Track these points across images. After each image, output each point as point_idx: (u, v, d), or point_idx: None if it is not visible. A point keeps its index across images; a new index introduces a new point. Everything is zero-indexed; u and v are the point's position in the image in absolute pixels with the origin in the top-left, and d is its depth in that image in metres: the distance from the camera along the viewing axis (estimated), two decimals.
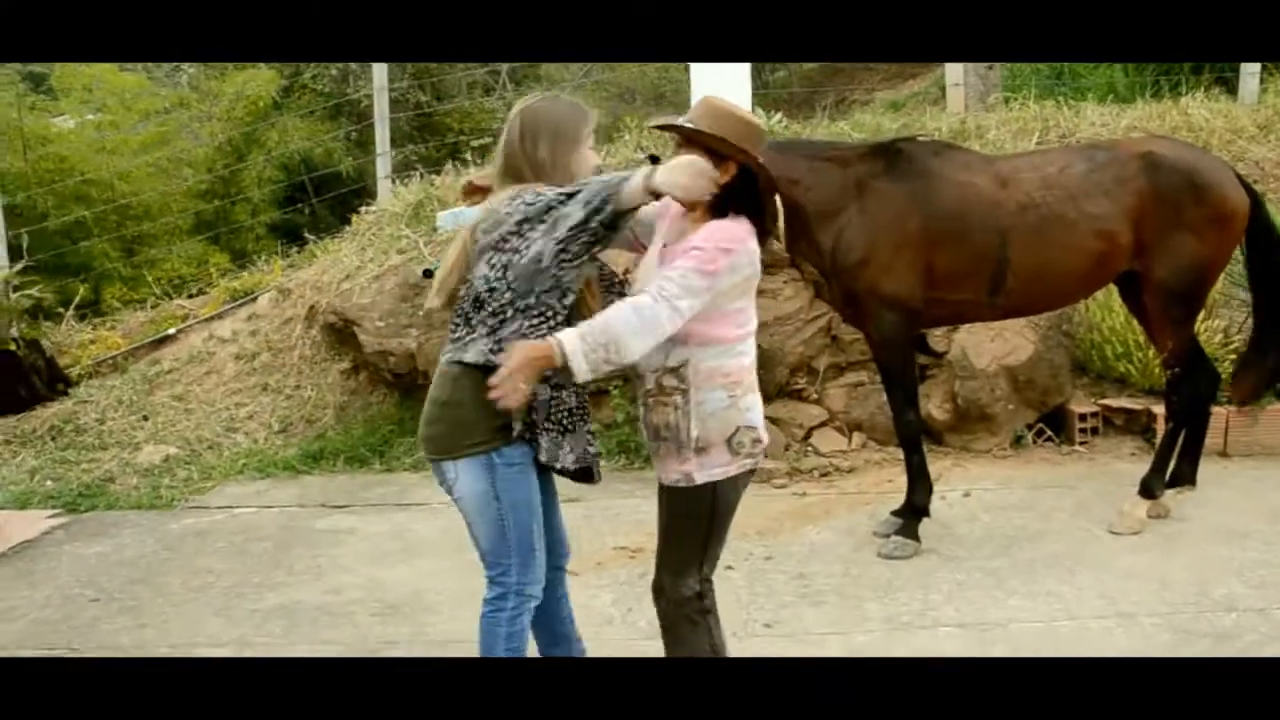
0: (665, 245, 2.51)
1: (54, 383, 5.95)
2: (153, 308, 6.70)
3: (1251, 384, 4.36)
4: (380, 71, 6.83)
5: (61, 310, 6.70)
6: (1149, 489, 4.23)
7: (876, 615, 3.58)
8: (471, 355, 2.46)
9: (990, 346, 5.12)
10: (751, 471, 2.53)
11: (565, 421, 2.54)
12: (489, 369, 2.37)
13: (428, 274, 4.93)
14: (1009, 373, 5.11)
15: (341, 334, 5.65)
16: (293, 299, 6.05)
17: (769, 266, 5.34)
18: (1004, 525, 4.31)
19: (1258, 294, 4.25)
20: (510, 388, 2.23)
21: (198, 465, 5.36)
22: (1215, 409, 4.49)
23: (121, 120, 8.54)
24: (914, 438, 4.10)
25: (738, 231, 2.39)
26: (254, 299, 6.30)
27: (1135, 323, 4.67)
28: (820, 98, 8.64)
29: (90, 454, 5.50)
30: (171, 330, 6.28)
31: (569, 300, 2.47)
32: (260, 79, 8.70)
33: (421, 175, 6.41)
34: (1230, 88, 6.73)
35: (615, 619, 3.60)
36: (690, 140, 2.42)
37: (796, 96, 9.56)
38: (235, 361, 5.96)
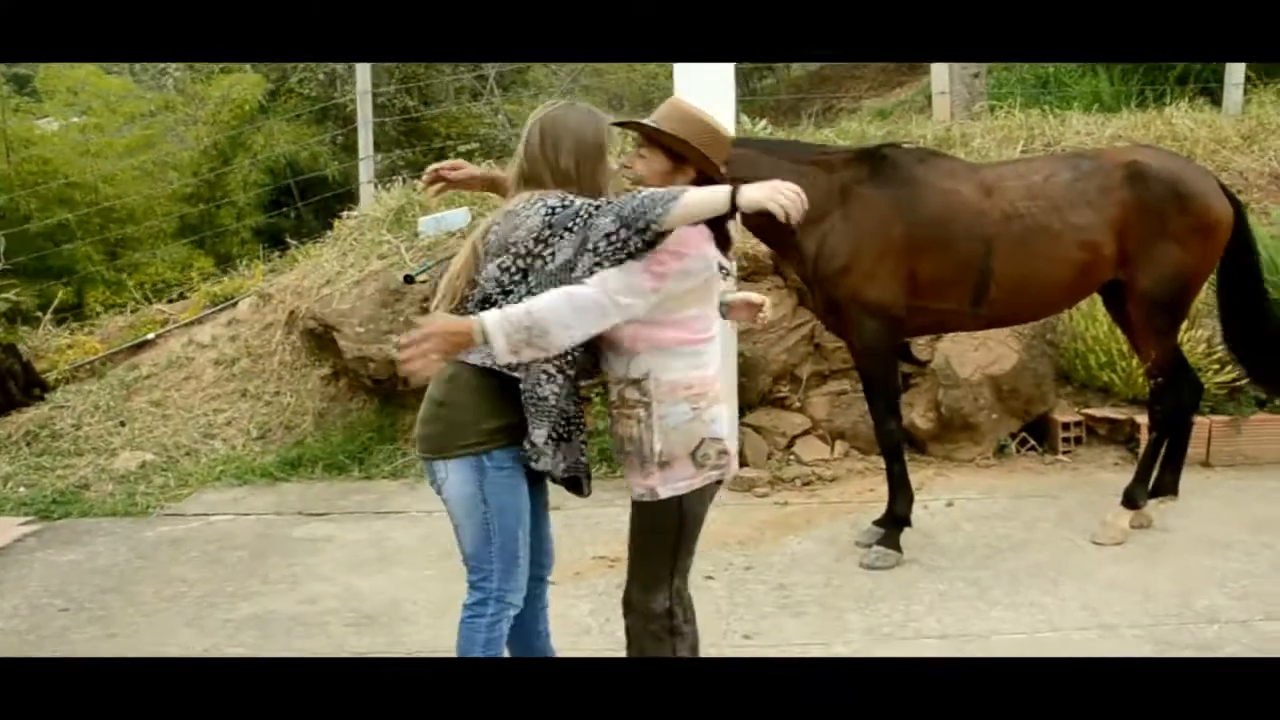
0: None
1: (30, 388, 5.87)
2: (132, 312, 6.63)
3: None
4: (363, 75, 6.78)
5: (40, 314, 6.62)
6: (1132, 499, 4.22)
7: (857, 626, 3.55)
8: (474, 356, 2.43)
9: (974, 355, 5.10)
10: (719, 482, 2.50)
11: (562, 430, 2.50)
12: (490, 371, 2.37)
13: (409, 280, 4.88)
14: (992, 382, 5.09)
15: (321, 340, 5.60)
16: (273, 304, 5.99)
17: (752, 274, 5.32)
18: (987, 535, 4.29)
19: (1225, 300, 4.23)
20: (418, 353, 2.17)
21: (174, 472, 5.30)
22: (1198, 419, 4.48)
23: (106, 123, 8.47)
24: (895, 447, 4.07)
25: (692, 236, 2.35)
26: (234, 304, 6.24)
27: (1119, 332, 4.66)
28: (807, 105, 8.65)
29: (65, 460, 5.43)
30: (150, 335, 6.21)
31: None
32: (246, 82, 8.65)
33: (404, 180, 6.36)
34: (1215, 98, 6.74)
35: (593, 629, 3.56)
36: (651, 140, 2.39)
37: (784, 104, 9.57)
38: (214, 367, 5.90)
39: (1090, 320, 5.23)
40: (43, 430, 5.62)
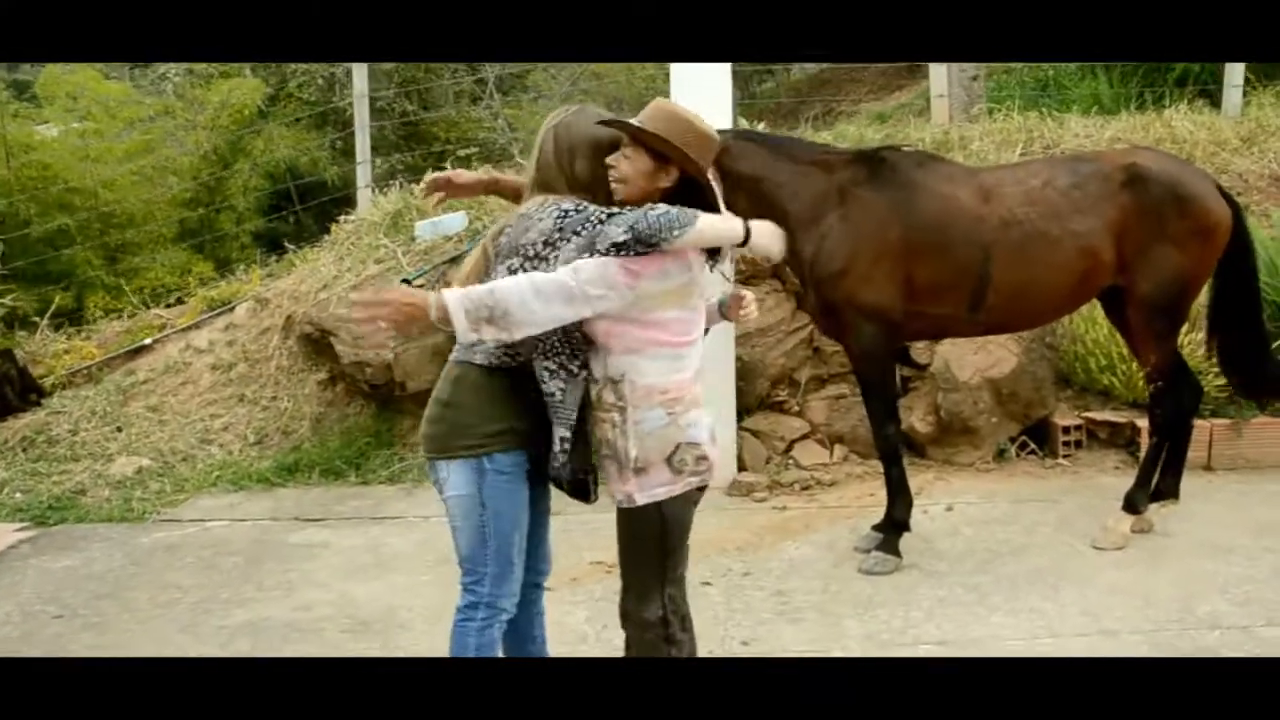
0: None
1: (26, 393, 5.85)
2: (130, 317, 6.61)
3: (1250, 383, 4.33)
4: (360, 78, 6.77)
5: (37, 320, 6.60)
6: (1133, 504, 4.19)
7: (856, 633, 3.52)
8: (480, 357, 2.45)
9: (973, 359, 5.08)
10: (703, 488, 2.47)
11: (576, 429, 2.48)
12: (496, 372, 2.40)
13: (406, 283, 4.87)
14: (992, 385, 5.07)
15: (318, 344, 5.58)
16: (270, 309, 5.97)
17: (750, 277, 5.30)
18: (986, 540, 4.26)
19: (1219, 303, 4.18)
20: (367, 316, 2.19)
21: (171, 477, 5.27)
22: (1199, 422, 4.45)
23: (106, 128, 8.45)
24: (893, 451, 4.04)
25: None
26: (231, 309, 6.22)
27: (1119, 335, 4.63)
28: (806, 108, 8.63)
29: (61, 466, 5.41)
30: (147, 340, 6.18)
31: None
32: (245, 87, 8.64)
33: (401, 184, 6.34)
34: (1214, 100, 6.73)
35: (589, 636, 3.54)
36: (635, 140, 2.38)
37: (783, 107, 9.55)
38: (211, 372, 5.88)
39: (1090, 323, 5.20)
40: (39, 436, 5.60)
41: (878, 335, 3.95)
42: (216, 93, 8.68)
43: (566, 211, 2.38)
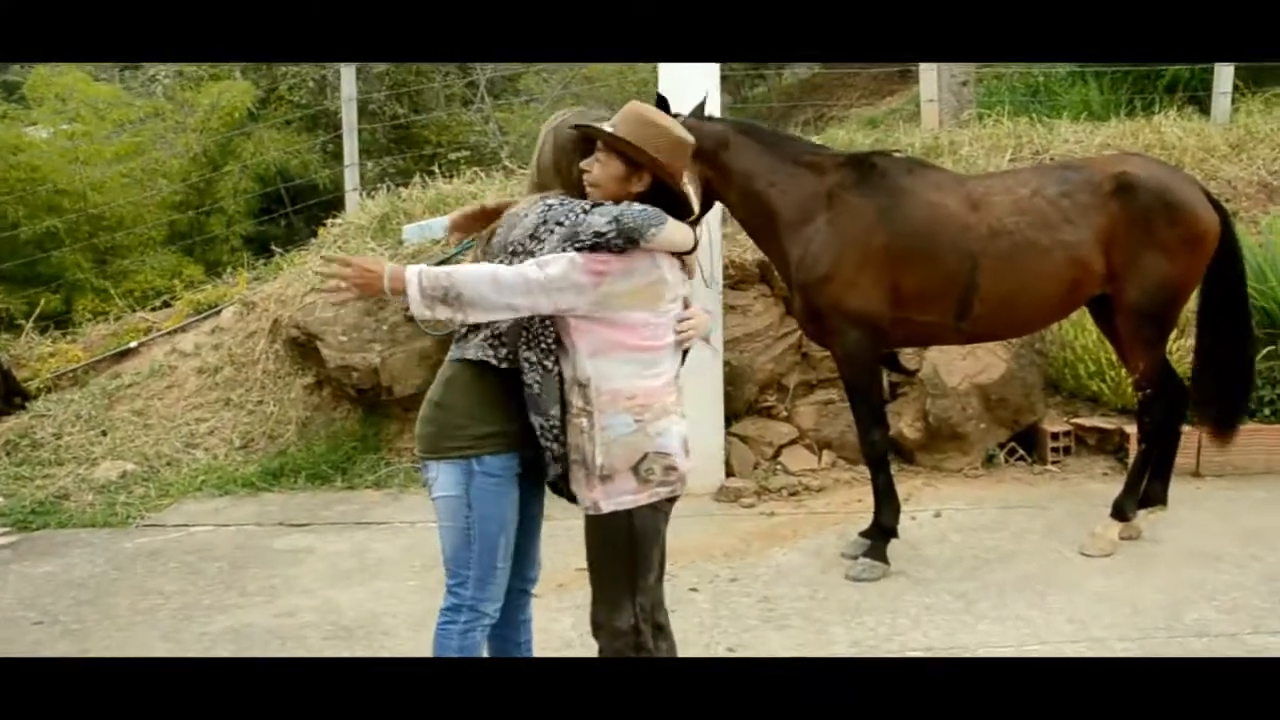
0: None
1: (10, 396, 5.80)
2: (116, 319, 6.57)
3: (1220, 415, 4.25)
4: (348, 82, 6.75)
5: (22, 323, 6.55)
6: (1121, 511, 4.18)
7: (842, 640, 3.51)
8: (472, 351, 2.46)
9: (962, 364, 5.07)
10: (673, 499, 2.44)
11: (562, 437, 2.46)
12: (486, 374, 2.41)
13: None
14: (981, 391, 5.06)
15: (304, 348, 5.54)
16: (257, 312, 5.94)
17: (739, 282, 5.29)
18: (974, 546, 4.25)
19: (1206, 312, 4.15)
20: (331, 271, 2.29)
21: (155, 482, 5.23)
22: (1187, 429, 4.44)
23: (95, 130, 8.41)
24: (880, 458, 4.03)
25: None
26: (218, 312, 6.18)
27: (1108, 342, 4.62)
28: (798, 113, 8.63)
29: (45, 470, 5.36)
30: (133, 343, 6.14)
31: None
32: (236, 89, 8.60)
33: (389, 188, 6.32)
34: (1203, 107, 6.74)
35: (575, 642, 3.51)
36: (609, 145, 2.37)
37: (775, 111, 9.55)
38: (197, 376, 5.84)
39: (1079, 329, 5.20)
40: (23, 439, 5.55)
41: (863, 341, 3.93)
42: (206, 95, 8.65)
43: (551, 205, 2.42)
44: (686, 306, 2.49)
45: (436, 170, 6.31)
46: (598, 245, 2.27)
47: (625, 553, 2.38)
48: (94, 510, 4.98)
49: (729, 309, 5.15)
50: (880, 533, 4.04)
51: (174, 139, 8.78)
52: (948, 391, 5.04)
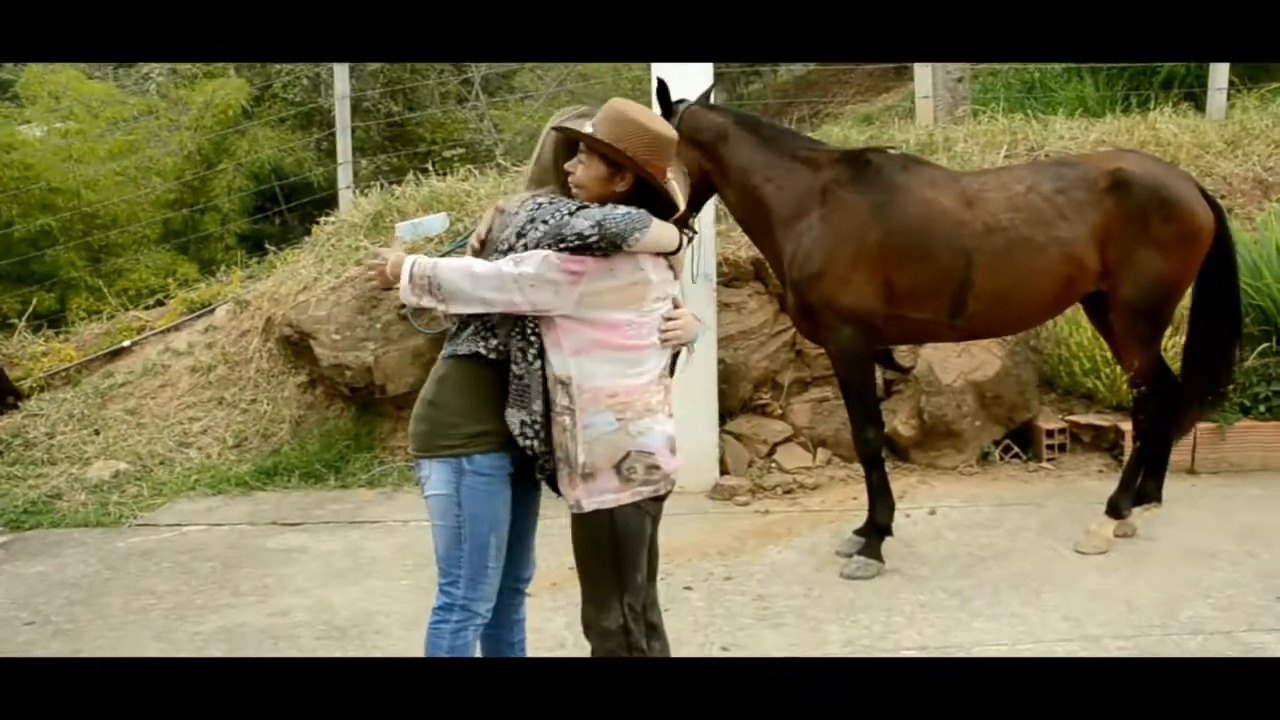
0: None
1: (3, 395, 5.78)
2: (110, 318, 6.54)
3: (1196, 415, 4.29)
4: (342, 79, 6.72)
5: (15, 321, 6.53)
6: (1116, 508, 4.18)
7: (837, 638, 3.50)
8: (463, 346, 2.46)
9: (957, 362, 5.06)
10: (660, 497, 2.43)
11: (544, 434, 2.45)
12: (478, 372, 2.41)
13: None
14: (976, 388, 5.05)
15: (298, 347, 5.53)
16: (250, 311, 5.92)
17: (733, 279, 5.28)
18: (969, 544, 4.24)
19: (1199, 308, 4.15)
20: (372, 266, 2.46)
21: (148, 481, 5.22)
22: None
23: (89, 128, 8.38)
24: (874, 455, 4.02)
25: None
26: (211, 311, 6.15)
27: (1102, 339, 4.62)
28: (793, 110, 8.62)
29: (38, 469, 5.34)
30: (126, 342, 6.12)
31: None
32: (230, 87, 8.57)
33: (382, 186, 6.30)
34: (1198, 103, 6.73)
35: (568, 642, 3.50)
36: (590, 146, 2.36)
37: (770, 108, 9.53)
38: (190, 374, 5.82)
39: (1074, 326, 5.19)
40: (15, 439, 5.53)
41: (856, 338, 3.92)
42: (200, 93, 8.61)
43: (540, 204, 2.42)
44: (677, 306, 2.47)
45: (431, 168, 6.29)
46: (580, 248, 2.26)
47: (609, 552, 2.37)
48: (87, 510, 4.96)
49: (723, 306, 5.14)
50: (875, 530, 4.03)
51: (168, 137, 8.75)
52: (942, 389, 5.04)
